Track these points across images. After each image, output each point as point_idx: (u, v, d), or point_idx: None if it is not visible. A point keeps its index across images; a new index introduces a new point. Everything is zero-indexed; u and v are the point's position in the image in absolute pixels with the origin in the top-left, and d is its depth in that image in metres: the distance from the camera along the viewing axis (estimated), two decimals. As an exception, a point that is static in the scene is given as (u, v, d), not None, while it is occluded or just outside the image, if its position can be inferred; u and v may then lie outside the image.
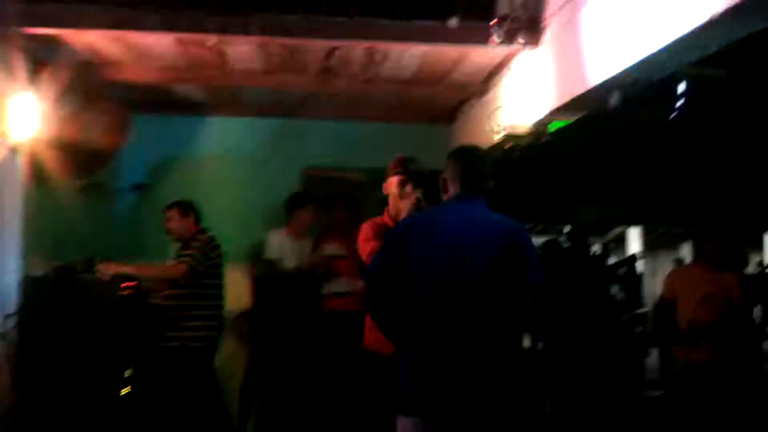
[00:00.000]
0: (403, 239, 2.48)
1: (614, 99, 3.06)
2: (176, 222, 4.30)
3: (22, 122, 3.81)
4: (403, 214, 3.15)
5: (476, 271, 2.33)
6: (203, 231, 4.33)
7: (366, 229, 3.23)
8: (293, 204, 5.12)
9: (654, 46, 2.62)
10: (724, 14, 2.22)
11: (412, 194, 3.23)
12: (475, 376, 2.30)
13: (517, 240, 2.44)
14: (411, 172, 3.34)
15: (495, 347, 2.33)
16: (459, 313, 2.33)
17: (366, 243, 3.14)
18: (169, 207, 4.37)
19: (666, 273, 4.90)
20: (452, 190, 2.55)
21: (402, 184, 3.23)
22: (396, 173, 3.29)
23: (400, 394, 2.38)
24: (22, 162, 4.12)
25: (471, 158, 2.65)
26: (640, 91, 3.04)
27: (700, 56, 2.65)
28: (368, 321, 3.11)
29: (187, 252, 4.17)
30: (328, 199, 5.22)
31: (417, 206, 3.24)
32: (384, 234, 2.97)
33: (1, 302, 3.91)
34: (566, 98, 3.49)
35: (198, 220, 4.39)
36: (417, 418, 2.32)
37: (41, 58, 3.99)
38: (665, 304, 4.41)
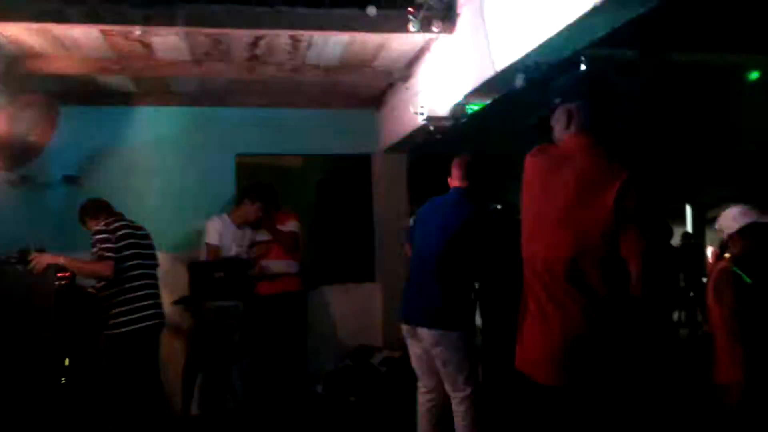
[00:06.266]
0: None
1: (519, 81, 3.29)
2: (90, 225, 4.35)
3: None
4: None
5: None
6: (110, 222, 4.28)
7: None
8: (243, 195, 5.34)
9: (549, 31, 2.85)
10: (603, 2, 2.47)
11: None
12: None
13: None
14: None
15: None
16: None
17: None
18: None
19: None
20: None
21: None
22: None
23: None
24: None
25: None
26: (544, 74, 3.27)
27: (591, 40, 2.90)
28: None
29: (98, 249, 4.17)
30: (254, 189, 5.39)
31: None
32: None
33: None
34: (479, 82, 3.70)
35: (106, 213, 4.39)
36: None
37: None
38: None
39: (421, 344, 3.73)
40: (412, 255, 3.94)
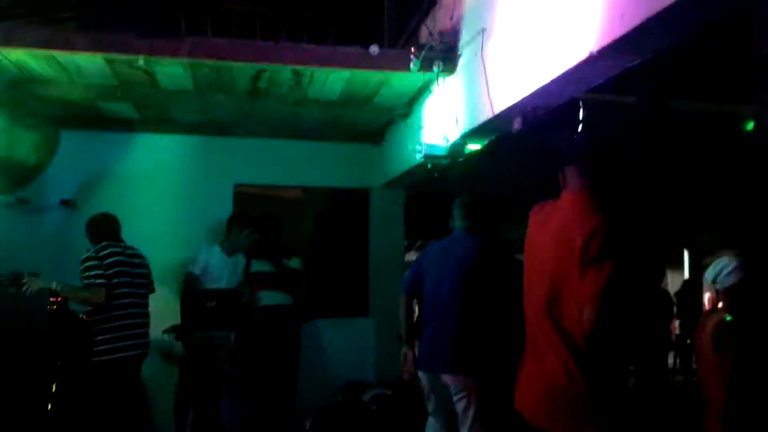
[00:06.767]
0: None
1: (516, 124, 3.31)
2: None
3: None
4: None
5: None
6: (100, 249, 4.31)
7: None
8: (232, 222, 5.31)
9: (546, 77, 2.88)
10: (600, 51, 2.49)
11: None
12: None
13: None
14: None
15: None
16: None
17: None
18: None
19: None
20: None
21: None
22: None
23: None
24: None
25: None
26: (541, 117, 3.30)
27: (587, 87, 2.92)
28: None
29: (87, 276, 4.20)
30: (258, 218, 5.39)
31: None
32: None
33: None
34: (477, 123, 3.73)
35: (103, 238, 4.40)
36: None
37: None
38: None
39: (445, 390, 3.65)
40: (425, 301, 3.86)
